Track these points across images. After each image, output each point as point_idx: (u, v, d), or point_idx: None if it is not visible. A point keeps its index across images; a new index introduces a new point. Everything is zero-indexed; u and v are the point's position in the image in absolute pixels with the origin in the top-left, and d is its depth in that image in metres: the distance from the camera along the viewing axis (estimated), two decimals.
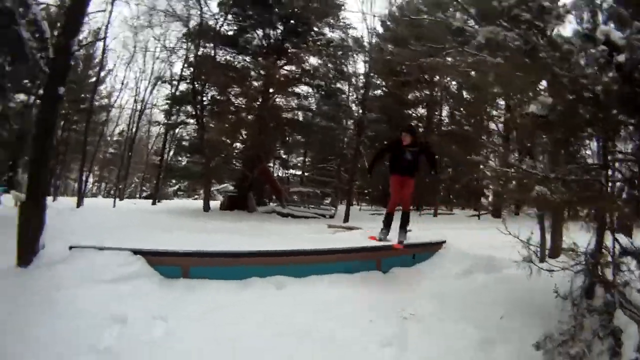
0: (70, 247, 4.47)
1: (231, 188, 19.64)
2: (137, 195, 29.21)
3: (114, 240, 4.97)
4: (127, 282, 4.05)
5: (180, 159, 24.54)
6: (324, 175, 23.61)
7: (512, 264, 4.24)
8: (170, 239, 6.37)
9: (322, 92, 19.57)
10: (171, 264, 4.36)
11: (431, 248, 5.34)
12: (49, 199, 17.90)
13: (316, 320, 3.62)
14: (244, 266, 4.47)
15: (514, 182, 4.00)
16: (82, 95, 26.98)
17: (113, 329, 3.40)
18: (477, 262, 5.09)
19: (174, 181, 24.71)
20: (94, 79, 26.47)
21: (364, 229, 8.97)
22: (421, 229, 10.10)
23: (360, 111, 19.48)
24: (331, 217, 17.72)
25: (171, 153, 23.39)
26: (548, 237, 5.68)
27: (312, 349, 3.26)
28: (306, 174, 25.87)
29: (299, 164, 27.18)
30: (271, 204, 20.07)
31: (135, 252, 4.36)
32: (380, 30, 24.03)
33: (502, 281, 4.39)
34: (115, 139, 25.34)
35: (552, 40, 3.25)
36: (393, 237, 5.38)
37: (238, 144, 19.40)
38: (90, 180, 28.92)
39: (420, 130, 24.11)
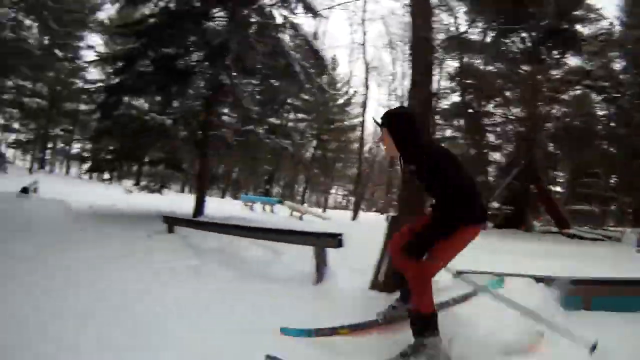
0: (459, 273, 4.28)
1: (495, 205, 18.68)
2: (373, 209, 31.26)
3: None
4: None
5: None
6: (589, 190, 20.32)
7: None
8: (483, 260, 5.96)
9: (607, 95, 16.89)
10: (572, 294, 3.63)
11: None
12: (319, 210, 20.68)
13: None
14: None
15: None
16: (330, 116, 30.96)
17: None
18: None
19: None
20: (341, 101, 30.02)
21: None
22: None
23: None
24: (617, 239, 15.03)
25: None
26: None
27: None
28: (558, 189, 22.83)
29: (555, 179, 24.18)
30: (535, 222, 18.39)
31: (538, 279, 3.79)
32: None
33: None
34: (365, 156, 27.52)
35: None
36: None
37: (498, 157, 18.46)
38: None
39: None
